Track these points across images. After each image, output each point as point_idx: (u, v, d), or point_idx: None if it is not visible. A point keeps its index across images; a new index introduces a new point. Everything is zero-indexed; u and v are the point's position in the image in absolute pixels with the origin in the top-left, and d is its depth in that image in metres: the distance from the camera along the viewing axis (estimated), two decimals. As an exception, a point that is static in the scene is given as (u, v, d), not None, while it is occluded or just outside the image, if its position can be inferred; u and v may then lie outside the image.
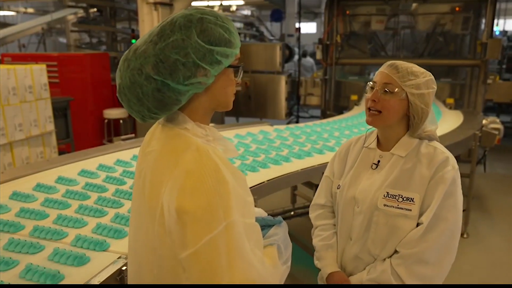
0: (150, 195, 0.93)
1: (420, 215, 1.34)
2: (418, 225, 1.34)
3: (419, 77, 1.35)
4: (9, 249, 1.43)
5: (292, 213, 4.03)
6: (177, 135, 0.94)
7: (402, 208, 1.34)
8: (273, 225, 1.13)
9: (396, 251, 1.36)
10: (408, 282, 1.32)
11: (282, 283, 1.06)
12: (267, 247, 1.06)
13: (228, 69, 0.95)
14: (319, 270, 1.56)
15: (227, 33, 0.92)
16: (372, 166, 1.44)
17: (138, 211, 1.00)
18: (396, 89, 1.34)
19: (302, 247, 3.18)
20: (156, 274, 0.93)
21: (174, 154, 0.91)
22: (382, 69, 1.40)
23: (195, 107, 0.96)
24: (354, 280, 1.43)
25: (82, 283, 1.26)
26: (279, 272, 1.03)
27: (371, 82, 1.41)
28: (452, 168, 1.34)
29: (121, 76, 0.92)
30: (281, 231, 1.12)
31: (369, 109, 1.39)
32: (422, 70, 1.38)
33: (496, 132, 3.88)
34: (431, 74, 1.40)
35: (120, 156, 2.53)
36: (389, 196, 1.36)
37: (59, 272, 1.28)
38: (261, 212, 1.22)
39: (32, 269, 1.29)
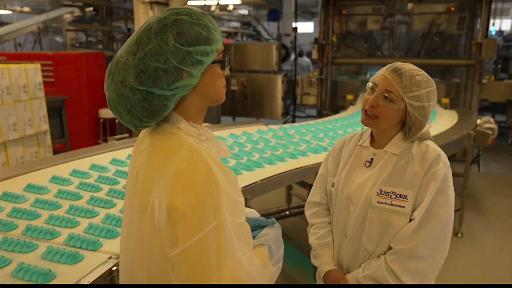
0: (141, 193, 0.94)
1: (413, 211, 1.35)
2: (411, 221, 1.35)
3: (421, 88, 1.33)
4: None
5: (287, 212, 4.03)
6: (170, 134, 0.94)
7: (395, 205, 1.36)
8: (266, 226, 1.14)
9: (390, 247, 1.38)
10: (403, 277, 1.33)
11: (273, 283, 1.07)
12: (258, 247, 1.06)
13: (213, 65, 0.95)
14: (315, 269, 1.57)
15: (205, 30, 0.91)
16: (365, 164, 1.45)
17: (130, 208, 1.00)
18: (397, 99, 1.33)
19: (297, 247, 3.17)
20: (147, 271, 0.93)
21: (166, 152, 0.91)
22: (385, 72, 1.36)
23: (186, 106, 0.96)
24: (350, 277, 1.44)
25: (72, 283, 1.26)
26: (269, 272, 1.04)
27: (371, 83, 1.39)
28: (444, 165, 1.36)
29: (108, 89, 0.93)
30: (273, 232, 1.12)
31: (365, 111, 1.39)
32: (426, 77, 1.35)
33: (490, 132, 3.89)
34: (434, 84, 1.37)
35: (94, 161, 2.43)
36: (383, 193, 1.37)
37: (50, 271, 1.29)
38: (254, 213, 1.23)
39: (24, 268, 1.30)
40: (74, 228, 1.61)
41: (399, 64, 1.37)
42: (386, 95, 1.34)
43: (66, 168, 2.31)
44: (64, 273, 1.31)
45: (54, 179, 2.11)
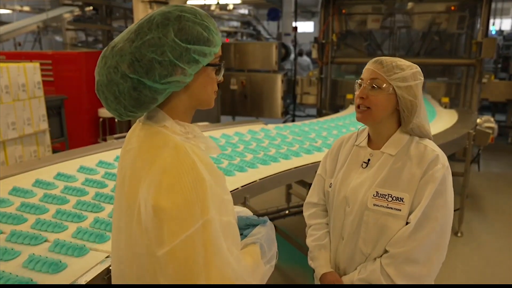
0: (128, 193, 0.93)
1: (410, 214, 1.33)
2: (407, 224, 1.33)
3: (405, 70, 1.34)
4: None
5: (286, 212, 4.02)
6: (155, 132, 0.93)
7: (391, 208, 1.34)
8: (258, 225, 1.13)
9: (386, 251, 1.36)
10: (398, 281, 1.31)
11: (265, 282, 1.06)
12: (250, 245, 1.05)
13: (208, 67, 0.94)
14: (314, 269, 1.56)
15: (206, 31, 0.91)
16: (362, 164, 1.44)
17: (119, 209, 0.99)
18: (384, 85, 1.34)
19: (297, 246, 3.16)
20: (136, 272, 0.92)
21: (152, 151, 0.90)
22: (368, 66, 1.41)
23: (175, 105, 0.95)
24: (346, 280, 1.43)
25: (69, 283, 1.25)
26: (261, 271, 1.03)
27: (358, 80, 1.41)
28: (442, 167, 1.33)
29: (99, 73, 0.92)
30: (264, 230, 1.11)
31: (358, 106, 1.39)
32: (408, 63, 1.38)
33: (490, 131, 3.88)
34: (418, 67, 1.39)
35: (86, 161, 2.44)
36: (379, 195, 1.35)
37: (61, 261, 1.32)
38: (246, 211, 1.21)
39: (34, 259, 1.33)
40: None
41: (379, 57, 1.40)
42: (374, 84, 1.35)
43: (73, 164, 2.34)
44: (74, 264, 1.34)
45: (60, 176, 2.14)
